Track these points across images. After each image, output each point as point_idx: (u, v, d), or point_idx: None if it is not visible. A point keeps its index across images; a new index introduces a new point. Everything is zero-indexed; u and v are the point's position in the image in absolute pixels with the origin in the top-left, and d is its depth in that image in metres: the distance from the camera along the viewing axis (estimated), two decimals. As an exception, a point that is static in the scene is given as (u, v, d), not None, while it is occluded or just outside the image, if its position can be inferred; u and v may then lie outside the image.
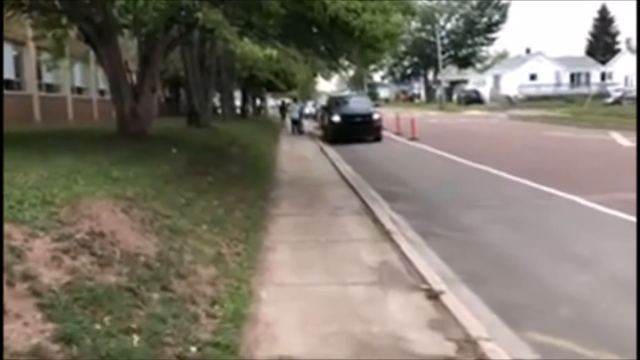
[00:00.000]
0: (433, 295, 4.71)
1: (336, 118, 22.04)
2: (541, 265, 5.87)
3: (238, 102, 39.59)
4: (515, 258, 6.21)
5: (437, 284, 4.98)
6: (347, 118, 21.72)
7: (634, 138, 18.33)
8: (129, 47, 14.63)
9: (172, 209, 5.93)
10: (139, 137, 9.85)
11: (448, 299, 4.63)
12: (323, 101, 39.46)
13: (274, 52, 7.32)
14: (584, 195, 8.92)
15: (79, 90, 25.25)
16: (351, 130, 21.18)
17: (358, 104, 24.31)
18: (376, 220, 7.60)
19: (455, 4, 69.88)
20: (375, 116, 22.05)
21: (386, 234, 6.90)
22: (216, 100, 33.08)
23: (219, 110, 29.84)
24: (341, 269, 5.49)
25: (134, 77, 11.04)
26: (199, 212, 6.42)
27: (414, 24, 61.05)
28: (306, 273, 5.39)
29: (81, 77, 25.19)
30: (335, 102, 25.00)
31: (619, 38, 73.71)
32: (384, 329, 4.12)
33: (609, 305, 4.72)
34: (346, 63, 11.78)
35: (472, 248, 6.64)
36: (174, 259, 4.58)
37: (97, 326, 3.17)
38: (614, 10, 74.06)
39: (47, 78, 21.50)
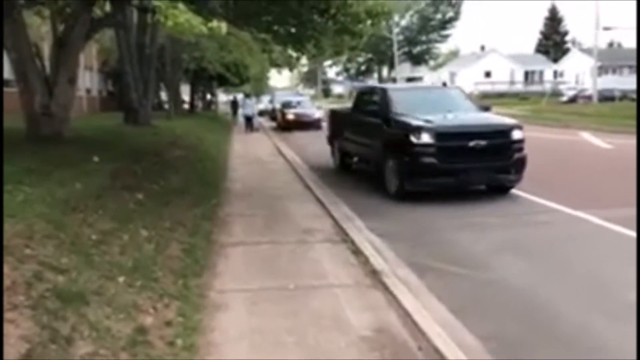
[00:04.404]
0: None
1: (425, 138, 8.87)
2: (587, 318, 4.34)
3: (187, 97, 37.22)
4: (547, 306, 4.65)
5: (470, 373, 3.35)
6: (456, 139, 8.99)
7: (607, 139, 17.55)
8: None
9: (73, 253, 4.05)
10: (52, 141, 7.81)
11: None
12: (287, 97, 34.99)
13: (223, 26, 5.42)
14: (590, 210, 7.79)
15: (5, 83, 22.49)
16: (467, 166, 8.92)
17: (455, 105, 10.29)
18: (357, 252, 5.91)
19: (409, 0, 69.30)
20: (516, 134, 9.43)
21: (373, 274, 5.23)
22: (164, 96, 30.73)
23: (166, 106, 27.55)
24: (323, 346, 3.75)
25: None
26: (116, 253, 4.55)
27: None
28: (273, 355, 3.63)
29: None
30: (395, 101, 10.17)
31: (567, 37, 75.39)
32: None
33: None
34: (311, 53, 9.93)
35: (485, 291, 5.07)
36: (54, 361, 2.74)
37: None
38: (563, 10, 75.46)
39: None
